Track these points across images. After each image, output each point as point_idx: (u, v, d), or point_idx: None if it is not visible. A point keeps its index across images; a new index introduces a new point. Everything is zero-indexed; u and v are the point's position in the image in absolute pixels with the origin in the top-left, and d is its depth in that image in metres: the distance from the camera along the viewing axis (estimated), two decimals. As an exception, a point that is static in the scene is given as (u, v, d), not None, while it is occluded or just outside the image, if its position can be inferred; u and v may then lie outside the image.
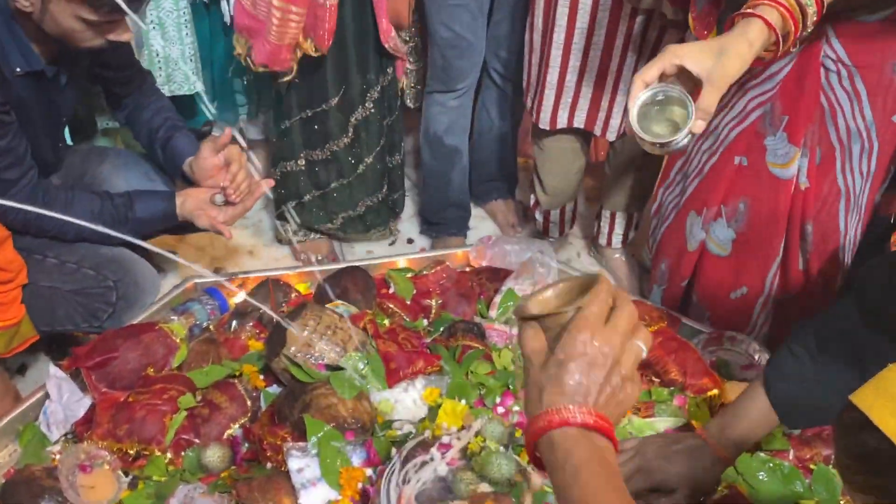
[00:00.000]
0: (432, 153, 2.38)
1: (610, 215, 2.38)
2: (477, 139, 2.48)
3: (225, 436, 1.45)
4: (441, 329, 1.67)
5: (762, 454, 1.42)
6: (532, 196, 2.40)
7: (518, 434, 1.36)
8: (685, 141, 1.21)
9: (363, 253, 2.47)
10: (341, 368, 1.44)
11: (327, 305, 1.62)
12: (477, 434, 1.30)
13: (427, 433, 1.34)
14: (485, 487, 1.23)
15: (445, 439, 1.30)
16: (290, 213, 2.26)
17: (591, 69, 1.99)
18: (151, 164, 1.97)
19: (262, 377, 1.55)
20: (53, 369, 1.54)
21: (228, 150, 1.75)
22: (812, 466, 1.43)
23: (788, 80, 1.53)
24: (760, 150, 1.64)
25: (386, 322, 1.66)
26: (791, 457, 1.45)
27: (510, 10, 2.16)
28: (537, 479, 1.26)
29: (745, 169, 1.68)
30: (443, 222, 2.49)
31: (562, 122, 2.10)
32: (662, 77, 1.21)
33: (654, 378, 1.61)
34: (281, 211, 2.34)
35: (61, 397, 1.51)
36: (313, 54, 1.95)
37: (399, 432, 1.39)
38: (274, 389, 1.54)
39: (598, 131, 2.11)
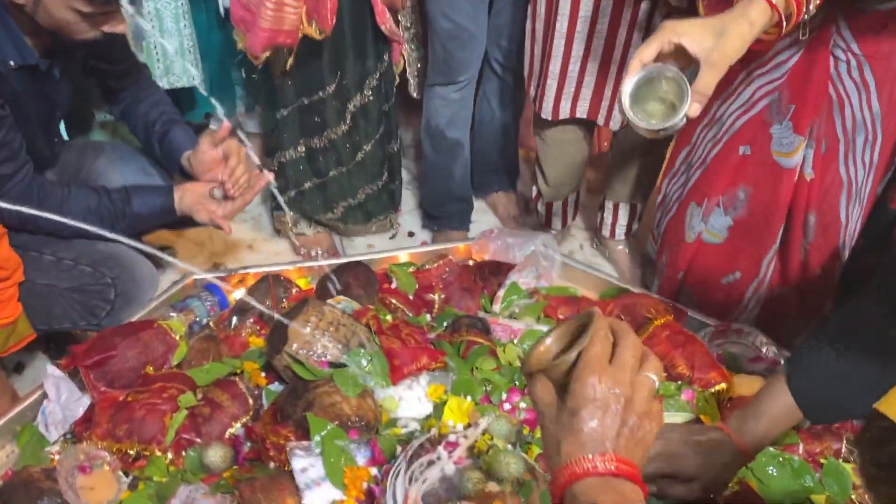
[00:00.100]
0: (434, 147, 2.35)
1: (613, 206, 2.35)
2: (478, 130, 2.45)
3: (227, 435, 1.43)
4: (445, 324, 1.65)
5: (772, 448, 1.39)
6: (534, 187, 2.37)
7: (525, 431, 1.34)
8: (681, 124, 1.19)
9: (363, 248, 2.45)
10: (344, 365, 1.42)
11: (329, 301, 1.59)
12: (484, 432, 1.28)
13: (433, 431, 1.32)
14: (493, 486, 1.20)
15: (452, 437, 1.28)
16: (283, 203, 2.23)
17: (594, 58, 1.97)
18: (148, 159, 1.94)
19: (263, 374, 1.52)
20: (51, 368, 1.52)
21: (227, 144, 1.73)
22: (822, 461, 1.41)
23: (797, 69, 1.51)
24: (766, 138, 1.63)
25: (389, 318, 1.64)
26: (801, 451, 1.43)
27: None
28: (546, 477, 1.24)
29: (748, 158, 1.67)
30: (444, 216, 2.47)
31: (564, 113, 2.07)
32: (659, 56, 1.19)
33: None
34: (277, 203, 2.31)
35: (59, 397, 1.49)
36: (318, 37, 1.92)
37: (404, 430, 1.37)
38: (276, 387, 1.51)
39: (601, 121, 2.09)
